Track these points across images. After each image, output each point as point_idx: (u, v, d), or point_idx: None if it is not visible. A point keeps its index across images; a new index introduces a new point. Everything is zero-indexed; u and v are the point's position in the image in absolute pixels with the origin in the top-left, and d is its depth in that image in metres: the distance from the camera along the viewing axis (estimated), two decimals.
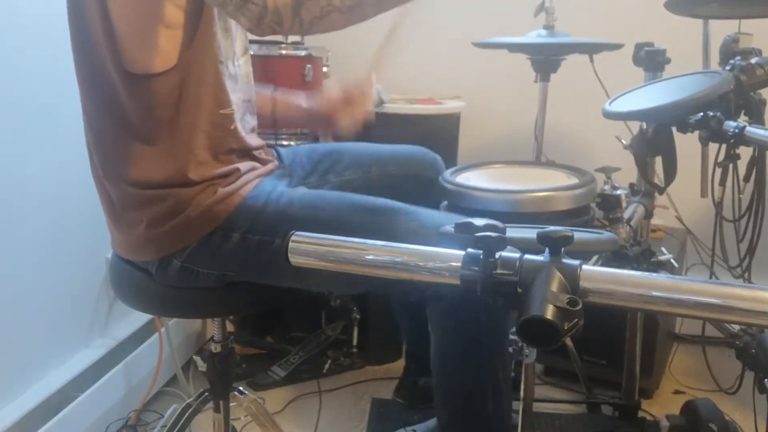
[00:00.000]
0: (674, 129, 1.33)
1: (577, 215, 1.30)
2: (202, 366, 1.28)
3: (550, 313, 0.52)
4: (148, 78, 1.04)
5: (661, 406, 1.89)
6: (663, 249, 1.53)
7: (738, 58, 1.18)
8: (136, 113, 1.06)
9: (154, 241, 1.08)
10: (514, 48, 1.84)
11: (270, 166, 1.25)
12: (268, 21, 0.93)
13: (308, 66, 1.99)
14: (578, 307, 0.52)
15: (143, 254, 1.11)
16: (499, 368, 1.16)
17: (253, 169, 1.19)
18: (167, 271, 1.09)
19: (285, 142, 1.99)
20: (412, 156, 1.40)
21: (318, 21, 0.95)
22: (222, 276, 1.10)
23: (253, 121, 1.24)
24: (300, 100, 1.40)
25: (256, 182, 1.16)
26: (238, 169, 1.14)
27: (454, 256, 0.61)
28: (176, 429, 1.29)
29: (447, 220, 1.12)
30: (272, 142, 1.97)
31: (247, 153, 1.20)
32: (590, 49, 1.76)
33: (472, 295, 0.59)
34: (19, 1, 1.43)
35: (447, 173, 1.39)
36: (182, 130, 1.08)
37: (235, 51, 1.16)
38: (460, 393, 1.17)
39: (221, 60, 1.10)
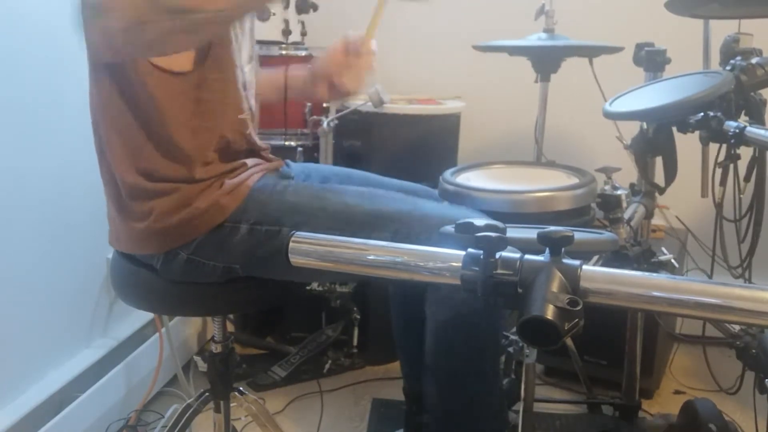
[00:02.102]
0: (674, 129, 1.33)
1: (577, 215, 1.30)
2: (202, 366, 1.28)
3: (550, 313, 0.52)
4: (169, 75, 1.04)
5: (662, 407, 1.89)
6: (663, 249, 1.53)
7: (738, 58, 1.18)
8: (155, 110, 1.06)
9: (163, 234, 1.08)
10: (514, 51, 1.84)
11: (275, 164, 1.26)
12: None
13: (309, 66, 1.99)
14: (579, 308, 0.52)
15: (151, 247, 1.10)
16: (495, 356, 1.17)
17: (258, 164, 1.20)
18: (173, 265, 1.09)
19: (286, 143, 1.99)
20: (416, 194, 1.39)
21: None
22: (227, 269, 1.10)
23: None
24: (299, 70, 1.40)
25: (261, 174, 1.17)
26: (245, 164, 1.16)
27: (454, 256, 0.62)
28: (177, 429, 1.29)
29: (450, 211, 1.13)
30: (280, 142, 1.98)
31: (254, 153, 1.21)
32: (590, 52, 1.76)
33: (473, 295, 0.59)
34: (20, 0, 1.43)
35: (447, 173, 1.39)
36: (202, 133, 1.08)
37: (242, 58, 1.17)
38: (453, 379, 1.17)
39: (237, 65, 1.10)
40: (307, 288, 1.94)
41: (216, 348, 1.27)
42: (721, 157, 1.23)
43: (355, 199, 1.11)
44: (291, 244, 0.67)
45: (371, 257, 0.66)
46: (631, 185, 1.52)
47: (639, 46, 1.58)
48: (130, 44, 0.90)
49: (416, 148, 2.05)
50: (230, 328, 2.17)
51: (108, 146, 1.10)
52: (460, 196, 1.29)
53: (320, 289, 2.01)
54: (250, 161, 1.17)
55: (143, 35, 0.88)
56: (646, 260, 1.45)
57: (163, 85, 1.04)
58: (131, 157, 1.08)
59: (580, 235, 0.67)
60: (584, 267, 0.57)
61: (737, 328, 1.35)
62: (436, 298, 1.13)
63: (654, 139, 1.39)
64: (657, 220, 1.71)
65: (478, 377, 1.17)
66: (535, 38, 1.78)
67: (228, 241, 1.09)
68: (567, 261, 0.58)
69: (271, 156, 1.28)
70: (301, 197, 1.11)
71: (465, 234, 0.61)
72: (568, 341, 1.75)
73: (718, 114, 1.13)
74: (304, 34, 2.12)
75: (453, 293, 1.09)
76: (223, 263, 1.10)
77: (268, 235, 1.08)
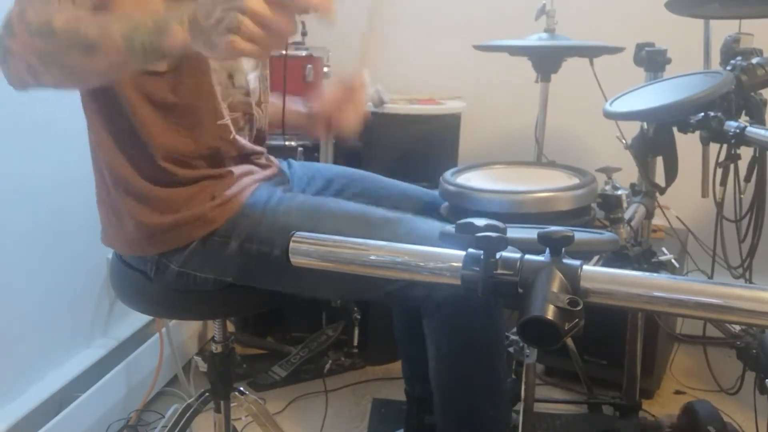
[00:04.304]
0: (675, 129, 1.33)
1: (577, 215, 1.30)
2: (202, 366, 1.28)
3: (550, 313, 0.52)
4: (144, 75, 1.04)
5: (662, 407, 1.89)
6: (664, 249, 1.52)
7: (739, 58, 1.18)
8: (129, 107, 1.05)
9: (150, 237, 1.08)
10: (515, 51, 1.84)
11: (268, 172, 1.24)
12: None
13: (309, 66, 1.99)
14: (579, 308, 0.52)
15: (140, 250, 1.10)
16: (499, 373, 1.16)
17: (249, 173, 1.18)
18: (165, 276, 1.09)
19: (285, 143, 1.98)
20: (421, 198, 1.39)
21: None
22: (220, 281, 1.10)
23: (256, 130, 1.24)
24: (298, 105, 1.39)
25: (254, 188, 1.16)
26: (231, 172, 1.14)
27: (454, 256, 0.61)
28: (177, 429, 1.29)
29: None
30: (280, 142, 1.97)
31: (244, 158, 1.20)
32: (591, 53, 1.76)
33: (473, 296, 0.59)
34: None
35: (447, 174, 1.39)
36: (177, 136, 1.08)
37: (246, 64, 1.16)
38: (460, 400, 1.17)
39: (216, 70, 1.10)
40: None
41: (216, 348, 1.27)
42: (722, 157, 1.23)
43: (347, 222, 1.10)
44: (291, 244, 0.67)
45: (372, 257, 0.66)
46: (632, 185, 1.52)
47: (639, 47, 1.58)
48: (33, 83, 0.93)
49: (416, 148, 2.05)
50: (230, 328, 2.18)
51: (96, 144, 1.11)
52: (461, 197, 1.29)
53: None
54: (237, 169, 1.15)
55: (41, 80, 0.91)
56: (647, 260, 1.44)
57: (136, 84, 1.04)
58: (117, 155, 1.08)
59: (580, 235, 0.67)
60: (585, 267, 0.57)
61: (738, 328, 1.35)
62: (434, 324, 1.12)
63: (654, 139, 1.39)
64: (657, 220, 1.71)
65: (484, 393, 1.16)
66: (536, 38, 1.78)
67: (218, 255, 1.08)
68: (567, 261, 0.58)
69: (266, 160, 1.27)
70: (293, 217, 1.10)
71: (465, 234, 0.61)
72: (569, 341, 1.75)
73: (719, 114, 1.13)
74: (304, 34, 2.12)
75: (451, 318, 1.08)
76: (214, 276, 1.09)
77: (260, 254, 1.07)
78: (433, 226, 1.10)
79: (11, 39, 0.88)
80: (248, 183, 1.16)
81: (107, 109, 1.07)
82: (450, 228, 0.66)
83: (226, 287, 1.11)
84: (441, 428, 1.20)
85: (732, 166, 1.23)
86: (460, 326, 1.09)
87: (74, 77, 0.92)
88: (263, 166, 1.24)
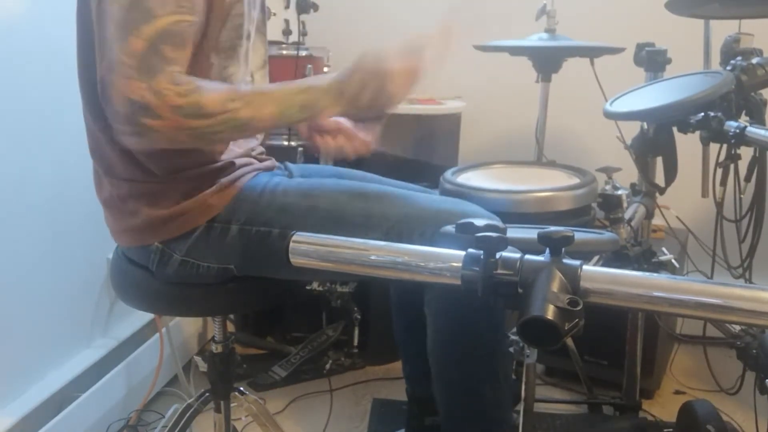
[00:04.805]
0: (675, 129, 1.33)
1: (578, 215, 1.30)
2: (203, 366, 1.28)
3: (550, 313, 0.52)
4: None
5: (662, 407, 1.89)
6: (664, 249, 1.52)
7: (739, 58, 1.18)
8: None
9: (154, 226, 1.09)
10: (515, 51, 1.84)
11: (268, 163, 1.25)
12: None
13: (309, 66, 1.99)
14: (579, 308, 0.52)
15: (144, 239, 1.11)
16: (497, 353, 1.16)
17: (248, 164, 1.19)
18: (167, 267, 1.10)
19: (285, 143, 1.98)
20: None
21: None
22: (222, 270, 1.10)
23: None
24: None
25: (252, 175, 1.17)
26: (233, 163, 1.15)
27: (454, 256, 0.62)
28: (177, 429, 1.29)
29: (443, 203, 1.12)
30: (279, 142, 1.97)
31: (244, 153, 1.21)
32: (591, 53, 1.76)
33: (473, 294, 0.59)
34: (19, 3, 1.43)
35: (448, 173, 1.39)
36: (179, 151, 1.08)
37: (254, 63, 1.16)
38: (458, 378, 1.17)
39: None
40: (308, 288, 1.94)
41: (216, 348, 1.27)
42: (722, 157, 1.23)
43: (345, 197, 1.10)
44: (291, 245, 0.67)
45: (372, 257, 0.66)
46: (632, 185, 1.52)
47: (640, 47, 1.58)
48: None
49: (416, 148, 2.05)
50: (230, 328, 2.18)
51: (96, 144, 1.11)
52: (461, 196, 1.29)
53: (321, 289, 2.01)
54: (239, 160, 1.17)
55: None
56: (647, 260, 1.45)
57: None
58: (117, 160, 1.08)
59: (580, 235, 0.67)
60: (585, 267, 0.57)
61: (738, 328, 1.35)
62: (434, 295, 1.13)
63: (654, 139, 1.39)
64: (657, 220, 1.71)
65: (483, 374, 1.17)
66: (536, 38, 1.78)
67: (220, 241, 1.09)
68: (567, 261, 0.58)
69: (263, 154, 1.28)
70: (290, 197, 1.11)
71: (465, 234, 0.61)
72: (569, 341, 1.75)
73: (719, 114, 1.13)
74: (304, 34, 2.12)
75: (451, 290, 1.09)
76: (217, 264, 1.10)
77: (259, 236, 1.08)
78: (432, 199, 1.10)
79: (155, 120, 0.91)
80: (247, 171, 1.17)
81: (106, 120, 1.07)
82: (450, 228, 0.66)
83: (227, 281, 1.12)
84: (439, 406, 1.20)
85: (732, 166, 1.23)
86: (459, 305, 1.10)
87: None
88: (261, 160, 1.25)
